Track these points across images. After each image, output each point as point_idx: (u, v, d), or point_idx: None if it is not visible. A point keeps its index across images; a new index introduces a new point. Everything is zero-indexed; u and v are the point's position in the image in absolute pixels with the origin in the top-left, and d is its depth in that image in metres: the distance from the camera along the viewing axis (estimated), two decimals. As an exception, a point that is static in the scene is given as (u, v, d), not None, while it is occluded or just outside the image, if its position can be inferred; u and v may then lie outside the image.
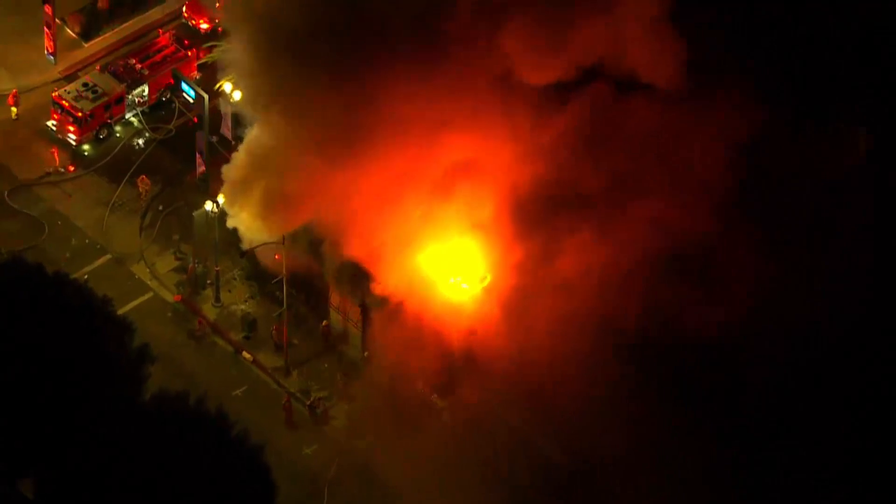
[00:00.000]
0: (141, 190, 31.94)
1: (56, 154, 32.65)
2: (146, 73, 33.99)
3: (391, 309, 26.47)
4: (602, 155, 25.68)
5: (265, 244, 27.77)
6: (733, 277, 24.25)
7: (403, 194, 26.46)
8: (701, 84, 25.04)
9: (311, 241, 28.08)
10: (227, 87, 30.03)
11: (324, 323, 29.14)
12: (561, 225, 25.54)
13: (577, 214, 25.54)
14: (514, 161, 25.91)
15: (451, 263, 27.63)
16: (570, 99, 25.80)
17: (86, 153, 33.19)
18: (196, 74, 34.20)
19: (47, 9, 33.60)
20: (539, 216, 25.86)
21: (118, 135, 34.02)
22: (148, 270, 30.74)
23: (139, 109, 34.21)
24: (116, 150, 33.47)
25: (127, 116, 34.18)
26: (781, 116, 24.58)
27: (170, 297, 30.06)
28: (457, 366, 26.10)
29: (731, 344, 23.35)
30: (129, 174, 32.45)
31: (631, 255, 24.74)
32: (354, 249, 26.59)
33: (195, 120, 31.64)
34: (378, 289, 26.73)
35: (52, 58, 35.16)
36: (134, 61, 34.23)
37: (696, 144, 25.30)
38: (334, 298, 29.27)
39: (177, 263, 31.13)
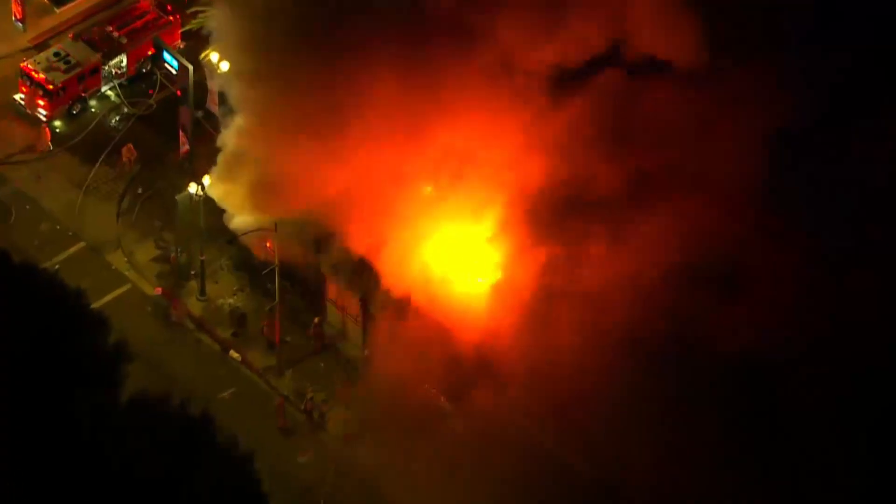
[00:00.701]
0: (125, 159, 31.60)
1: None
2: (124, 41, 33.62)
3: (395, 304, 26.41)
4: (619, 149, 25.58)
5: (256, 231, 27.42)
6: (767, 285, 23.98)
7: (400, 183, 26.63)
8: (729, 65, 24.77)
9: (306, 229, 27.74)
10: (213, 57, 29.66)
11: (315, 321, 28.80)
12: (576, 227, 25.59)
13: (593, 216, 25.52)
14: (519, 154, 26.03)
15: (459, 257, 27.57)
16: (580, 87, 25.79)
17: (57, 130, 32.89)
18: (180, 43, 33.81)
19: (14, -29, 33.36)
20: (552, 217, 25.85)
21: (93, 110, 33.76)
22: (126, 260, 30.40)
23: (116, 82, 33.88)
24: (91, 126, 33.17)
25: (103, 89, 33.88)
26: (822, 102, 24.24)
27: (150, 290, 29.79)
28: (469, 368, 25.91)
29: (763, 356, 23.19)
30: (105, 153, 32.10)
31: (654, 260, 24.43)
32: (354, 241, 26.56)
33: (178, 93, 31.17)
34: (381, 282, 26.66)
35: (20, 25, 34.82)
36: (111, 29, 33.78)
37: (724, 135, 25.02)
38: (332, 291, 28.88)
39: (158, 252, 30.83)
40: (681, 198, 24.98)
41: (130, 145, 31.65)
